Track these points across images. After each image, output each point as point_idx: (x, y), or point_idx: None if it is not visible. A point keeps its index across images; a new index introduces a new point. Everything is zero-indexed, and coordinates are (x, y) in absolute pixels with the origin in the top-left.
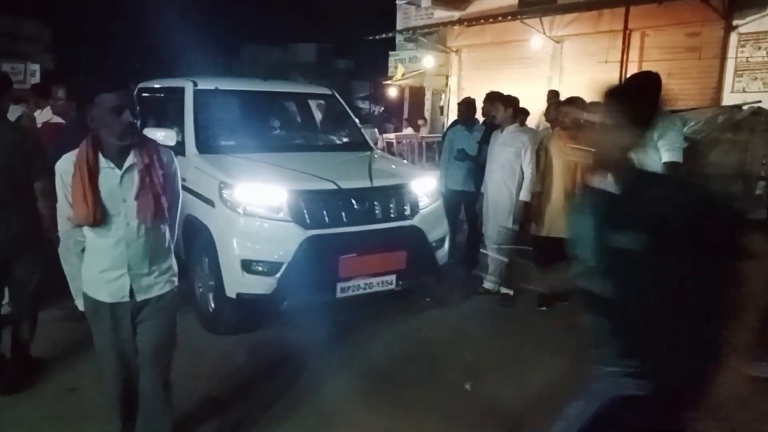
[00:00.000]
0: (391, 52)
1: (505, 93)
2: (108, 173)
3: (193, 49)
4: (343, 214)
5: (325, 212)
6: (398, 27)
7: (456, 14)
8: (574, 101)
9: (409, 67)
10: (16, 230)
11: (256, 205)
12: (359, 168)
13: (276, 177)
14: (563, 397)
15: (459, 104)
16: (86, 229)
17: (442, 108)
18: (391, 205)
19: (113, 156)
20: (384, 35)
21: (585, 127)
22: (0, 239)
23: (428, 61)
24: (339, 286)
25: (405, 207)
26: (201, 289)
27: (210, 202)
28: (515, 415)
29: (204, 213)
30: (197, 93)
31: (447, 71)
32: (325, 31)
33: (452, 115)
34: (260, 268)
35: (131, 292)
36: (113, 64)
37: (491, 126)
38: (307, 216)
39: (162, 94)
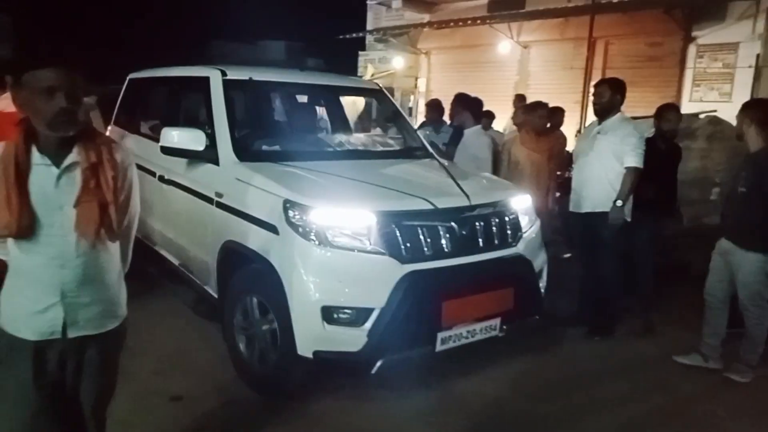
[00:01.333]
0: (360, 52)
1: (473, 95)
2: (41, 171)
3: (159, 44)
4: (444, 242)
5: (423, 240)
6: (368, 27)
7: (426, 16)
8: (542, 105)
9: (379, 68)
10: None
11: (340, 233)
12: (443, 181)
13: (358, 194)
14: None
15: (426, 105)
16: (10, 244)
17: (410, 109)
18: (494, 230)
19: (50, 151)
20: (354, 35)
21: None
22: None
23: (398, 62)
24: (440, 336)
25: (507, 231)
26: (246, 340)
27: (269, 227)
28: None
29: (258, 240)
30: (228, 84)
31: (416, 73)
32: (295, 29)
33: (420, 116)
34: (347, 317)
35: (64, 327)
36: (80, 54)
37: (459, 128)
38: (403, 246)
39: (170, 86)
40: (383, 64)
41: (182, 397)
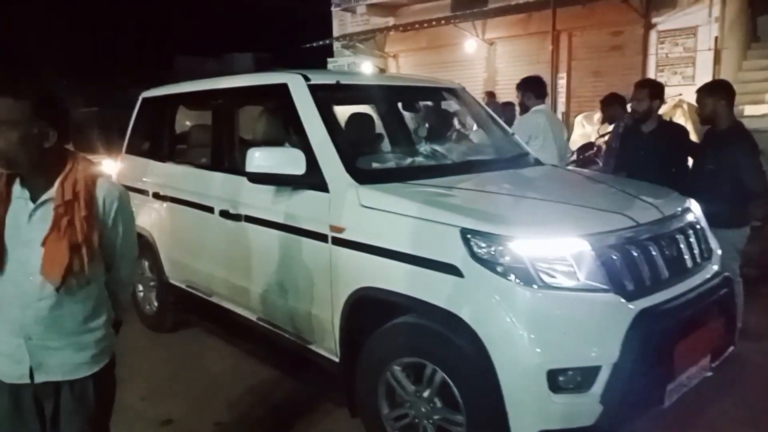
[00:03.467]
0: (329, 59)
1: None
2: (19, 205)
3: (125, 62)
4: (659, 267)
5: (641, 268)
6: (335, 34)
7: (391, 20)
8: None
9: None
10: None
11: (550, 268)
12: (614, 191)
13: (553, 216)
14: None
15: None
16: None
17: None
18: (693, 245)
19: (31, 184)
20: (321, 42)
21: None
22: None
23: (367, 67)
24: (668, 388)
25: (702, 246)
26: (403, 419)
27: (442, 267)
28: None
29: (423, 285)
30: (315, 92)
31: None
32: (262, 40)
33: None
34: (573, 381)
35: (31, 371)
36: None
37: None
38: (626, 278)
39: (217, 102)
40: (352, 69)
41: (173, 421)
